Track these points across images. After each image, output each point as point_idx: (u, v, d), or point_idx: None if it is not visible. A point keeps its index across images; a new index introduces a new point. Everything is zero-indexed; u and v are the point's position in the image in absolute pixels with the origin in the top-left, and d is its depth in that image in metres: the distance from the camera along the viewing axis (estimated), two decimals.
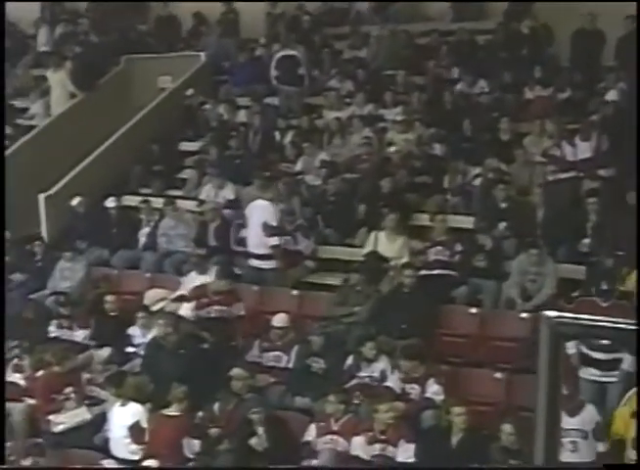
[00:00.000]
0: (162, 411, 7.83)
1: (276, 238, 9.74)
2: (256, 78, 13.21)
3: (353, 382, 8.25)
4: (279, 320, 8.70)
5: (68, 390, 8.36)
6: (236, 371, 8.19)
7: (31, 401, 8.64)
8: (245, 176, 11.22)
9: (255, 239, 9.84)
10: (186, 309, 8.85)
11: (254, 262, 9.88)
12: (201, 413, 8.05)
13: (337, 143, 11.70)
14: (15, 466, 7.35)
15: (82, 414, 8.30)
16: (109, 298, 9.68)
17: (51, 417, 8.27)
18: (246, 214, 10.07)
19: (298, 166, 11.45)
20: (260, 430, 7.63)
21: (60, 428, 8.22)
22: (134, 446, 7.82)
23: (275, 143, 12.05)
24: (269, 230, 9.71)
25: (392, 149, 11.23)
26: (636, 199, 8.97)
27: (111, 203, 11.32)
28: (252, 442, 7.58)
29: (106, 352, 9.12)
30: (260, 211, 9.83)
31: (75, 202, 11.44)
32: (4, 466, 7.26)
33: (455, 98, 11.84)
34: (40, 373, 8.60)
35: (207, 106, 13.10)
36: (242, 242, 10.36)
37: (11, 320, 9.65)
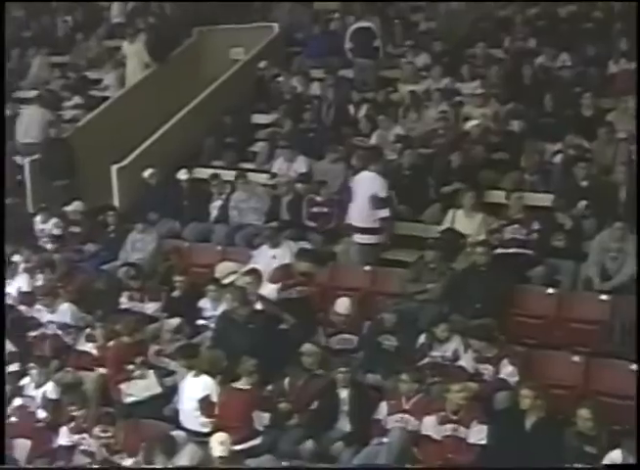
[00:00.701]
0: (232, 384, 7.91)
1: (387, 210, 9.64)
2: (331, 50, 13.17)
3: (425, 361, 8.22)
4: (342, 307, 8.67)
5: (139, 360, 8.50)
6: (307, 347, 8.24)
7: (103, 371, 8.83)
8: (317, 150, 11.22)
9: (361, 213, 9.71)
10: (270, 290, 8.81)
11: (359, 237, 9.77)
12: (270, 387, 8.13)
13: (412, 117, 11.61)
14: (15, 466, 7.55)
15: (153, 388, 8.43)
16: (180, 270, 9.80)
17: (122, 386, 8.42)
18: (351, 188, 9.89)
19: (373, 141, 11.40)
20: (344, 392, 7.67)
21: (129, 400, 8.36)
22: (204, 419, 7.93)
23: (349, 116, 12.01)
24: (378, 202, 9.61)
25: (469, 124, 11.11)
26: (636, 198, 8.77)
27: (182, 175, 11.46)
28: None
29: (175, 322, 9.26)
30: (368, 184, 9.71)
31: (147, 174, 11.60)
32: (4, 466, 7.46)
33: (535, 72, 11.62)
34: (111, 343, 8.75)
35: (281, 78, 13.12)
36: (313, 217, 10.39)
37: (83, 291, 9.93)
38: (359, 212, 9.74)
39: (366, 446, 7.61)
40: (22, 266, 10.47)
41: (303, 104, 12.38)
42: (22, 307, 9.76)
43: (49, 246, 11.17)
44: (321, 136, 11.58)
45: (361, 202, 9.69)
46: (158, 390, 8.45)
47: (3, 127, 10.35)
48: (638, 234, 8.43)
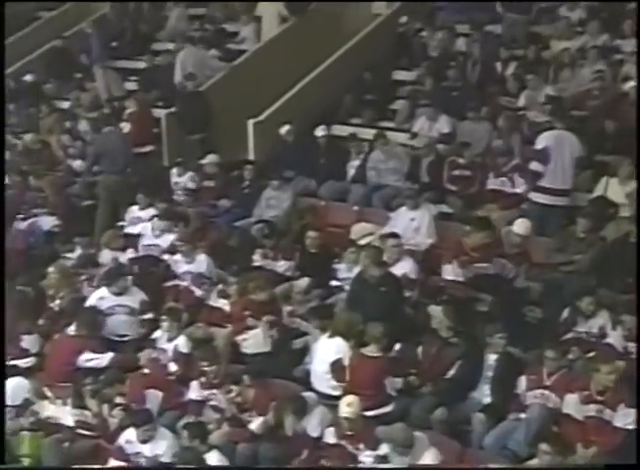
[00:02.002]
0: (363, 350, 7.91)
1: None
2: (477, 5, 12.86)
3: (569, 335, 8.02)
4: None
5: (265, 318, 8.60)
6: (432, 308, 8.20)
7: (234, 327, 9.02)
8: (461, 109, 11.01)
9: (564, 173, 9.50)
10: (450, 272, 8.57)
11: (551, 199, 9.54)
12: (402, 354, 8.10)
13: (565, 76, 11.23)
14: (15, 466, 7.74)
15: (261, 346, 8.55)
16: (314, 230, 9.85)
17: (241, 338, 8.59)
18: (548, 147, 9.59)
19: (521, 101, 11.10)
20: (492, 359, 7.62)
21: (248, 351, 8.52)
22: (335, 382, 7.98)
23: (496, 74, 11.72)
24: (579, 162, 9.46)
25: (628, 84, 10.65)
26: (636, 197, 8.64)
27: (320, 132, 11.47)
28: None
29: (304, 282, 9.33)
30: (569, 143, 9.53)
31: (284, 130, 11.68)
32: (4, 466, 7.65)
33: None
34: (242, 300, 8.88)
35: (424, 33, 12.92)
36: (455, 180, 10.22)
37: (216, 246, 10.13)
38: (563, 173, 9.49)
39: (502, 420, 7.51)
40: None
41: (447, 60, 12.17)
42: (167, 257, 10.04)
43: (183, 200, 11.43)
44: (465, 95, 11.36)
45: (567, 162, 9.46)
46: (266, 348, 8.57)
47: (3, 128, 10.70)
48: (638, 233, 8.10)
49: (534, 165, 9.62)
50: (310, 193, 11.09)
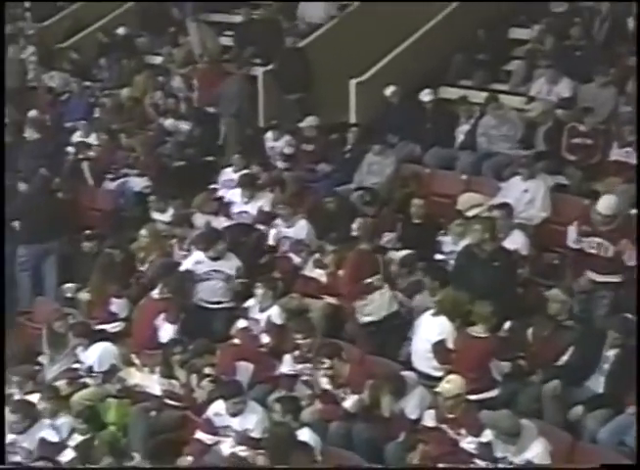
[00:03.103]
0: (469, 330, 7.86)
1: None
2: None
3: None
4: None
5: (376, 278, 8.62)
6: (553, 292, 8.06)
7: (331, 300, 9.07)
8: (585, 72, 10.75)
9: None
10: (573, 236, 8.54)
11: None
12: (511, 336, 8.02)
13: None
14: (15, 466, 7.82)
15: (389, 307, 8.57)
16: (418, 198, 9.79)
17: (358, 303, 8.60)
18: None
19: None
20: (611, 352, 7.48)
21: (366, 319, 8.53)
22: (437, 363, 7.96)
23: (626, 33, 11.36)
24: None
25: None
26: (636, 197, 8.44)
27: (426, 95, 11.35)
28: None
29: (406, 254, 9.29)
30: None
31: (389, 91, 11.60)
32: (4, 466, 7.73)
33: None
34: (351, 255, 8.86)
35: None
36: (574, 149, 10.03)
37: (314, 213, 10.17)
38: None
39: (619, 414, 7.36)
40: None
41: (571, 17, 11.87)
42: (262, 226, 10.19)
43: (280, 164, 11.50)
44: (590, 55, 11.09)
45: None
46: (394, 308, 8.57)
47: (3, 128, 10.90)
48: (638, 232, 7.65)
49: None
50: (415, 159, 11.04)
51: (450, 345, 7.94)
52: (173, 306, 8.99)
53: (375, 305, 8.62)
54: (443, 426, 7.36)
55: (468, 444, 7.23)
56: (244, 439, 7.63)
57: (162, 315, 8.92)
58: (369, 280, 8.66)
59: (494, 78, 11.86)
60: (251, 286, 9.10)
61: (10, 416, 7.96)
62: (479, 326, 7.82)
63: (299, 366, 8.25)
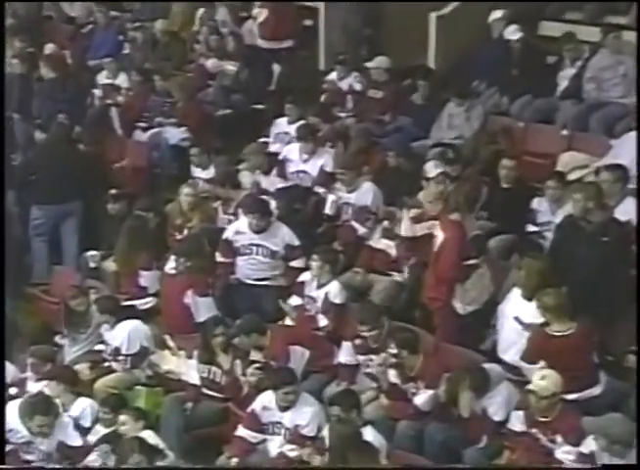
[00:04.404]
0: (568, 317, 7.85)
1: None
2: None
3: None
4: None
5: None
6: None
7: (398, 277, 9.19)
8: None
9: None
10: None
11: None
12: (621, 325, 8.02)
13: None
14: (15, 466, 7.87)
15: (488, 292, 8.61)
16: (508, 158, 9.75)
17: (457, 289, 8.54)
18: None
19: None
20: None
21: (468, 309, 8.51)
22: (529, 356, 7.95)
23: None
24: None
25: None
26: (636, 198, 8.47)
27: (514, 33, 11.23)
28: None
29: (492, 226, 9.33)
30: None
31: (494, 17, 11.46)
32: (4, 466, 7.81)
33: None
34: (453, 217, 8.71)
35: None
36: None
37: (383, 173, 10.24)
38: None
39: None
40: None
41: None
42: (321, 190, 10.29)
43: (343, 115, 11.57)
44: None
45: None
46: (491, 291, 8.61)
47: (3, 126, 10.92)
48: (638, 232, 7.53)
49: None
50: (504, 111, 11.04)
51: (544, 333, 7.88)
52: (200, 279, 9.13)
53: (477, 291, 8.59)
54: (534, 431, 7.39)
55: (565, 454, 7.24)
56: (295, 436, 7.76)
57: (190, 291, 9.07)
58: (473, 261, 8.57)
59: (610, 10, 11.65)
60: (308, 258, 9.18)
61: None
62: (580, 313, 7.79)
63: (362, 357, 8.33)
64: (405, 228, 9.20)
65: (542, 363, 7.66)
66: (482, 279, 8.59)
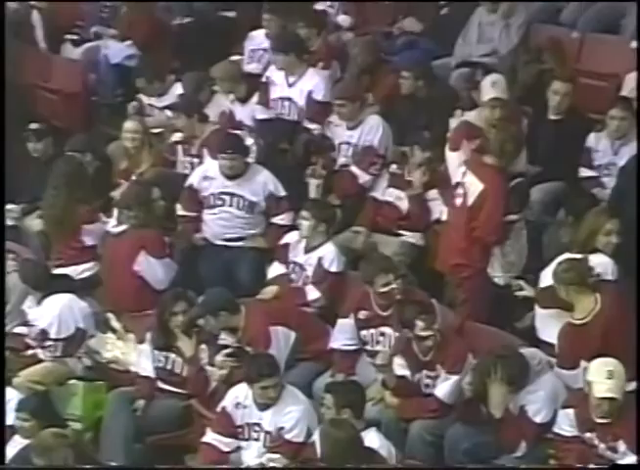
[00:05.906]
0: (576, 314, 7.98)
1: None
2: None
3: None
4: None
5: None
6: None
7: (413, 234, 9.45)
8: None
9: None
10: None
11: None
12: None
13: None
14: (15, 466, 8.10)
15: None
16: (559, 81, 9.78)
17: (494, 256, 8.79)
18: None
19: None
20: None
21: (508, 277, 8.73)
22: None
23: None
24: None
25: None
26: (636, 198, 8.38)
27: None
28: None
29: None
30: None
31: None
32: (4, 466, 8.05)
33: None
34: None
35: None
36: None
37: (392, 100, 10.42)
38: None
39: None
40: None
41: None
42: (312, 125, 10.37)
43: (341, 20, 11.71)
44: None
45: None
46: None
47: (3, 123, 10.92)
48: (638, 232, 7.87)
49: None
50: (551, 19, 11.20)
51: (572, 325, 8.01)
52: (154, 237, 9.33)
53: (516, 255, 8.79)
54: (589, 436, 7.56)
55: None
56: (278, 442, 7.90)
57: (141, 254, 9.27)
58: (513, 217, 8.80)
59: None
60: (294, 216, 9.37)
61: None
62: None
63: (363, 332, 8.48)
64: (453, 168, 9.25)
65: (584, 363, 7.79)
66: (520, 239, 8.81)
